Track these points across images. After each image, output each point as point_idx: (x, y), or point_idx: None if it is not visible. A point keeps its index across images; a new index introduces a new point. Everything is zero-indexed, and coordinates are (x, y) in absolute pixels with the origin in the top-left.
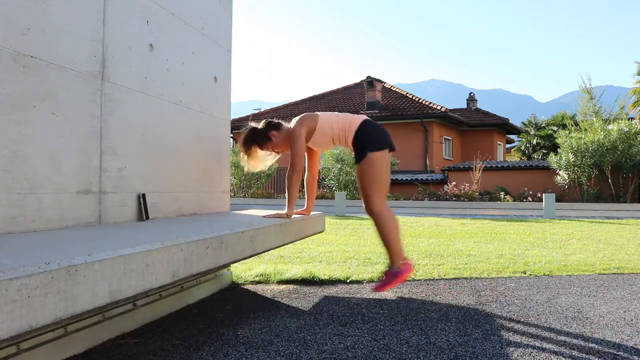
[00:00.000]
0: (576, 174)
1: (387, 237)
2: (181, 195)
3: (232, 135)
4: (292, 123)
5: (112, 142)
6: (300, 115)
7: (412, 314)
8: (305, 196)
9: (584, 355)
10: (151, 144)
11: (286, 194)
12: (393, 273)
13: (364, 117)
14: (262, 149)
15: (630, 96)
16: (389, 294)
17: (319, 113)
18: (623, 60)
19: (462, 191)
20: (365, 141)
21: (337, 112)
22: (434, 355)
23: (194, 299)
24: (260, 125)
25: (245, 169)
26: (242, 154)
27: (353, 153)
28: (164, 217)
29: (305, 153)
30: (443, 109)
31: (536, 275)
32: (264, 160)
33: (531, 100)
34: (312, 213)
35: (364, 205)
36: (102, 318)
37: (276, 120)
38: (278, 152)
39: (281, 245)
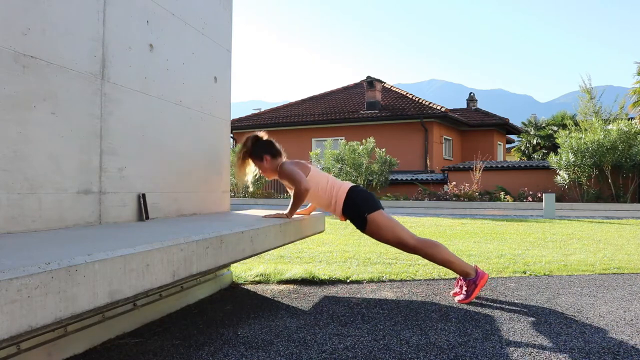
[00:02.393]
0: (576, 174)
1: (442, 260)
2: (181, 195)
3: (232, 135)
4: (286, 162)
5: (112, 142)
6: (296, 160)
7: (412, 314)
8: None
9: (584, 355)
10: (151, 144)
11: (291, 201)
12: (472, 281)
13: (350, 183)
14: (252, 161)
15: (630, 96)
16: (388, 293)
17: (312, 166)
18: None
19: (462, 191)
20: (360, 206)
21: (328, 174)
22: (434, 355)
23: (194, 299)
24: (265, 138)
25: (234, 173)
26: (236, 156)
27: (348, 220)
28: (164, 217)
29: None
30: (443, 109)
31: (536, 275)
32: (249, 173)
33: (531, 100)
34: (312, 213)
35: (401, 250)
36: (102, 318)
37: (279, 148)
38: (262, 173)
39: (281, 245)
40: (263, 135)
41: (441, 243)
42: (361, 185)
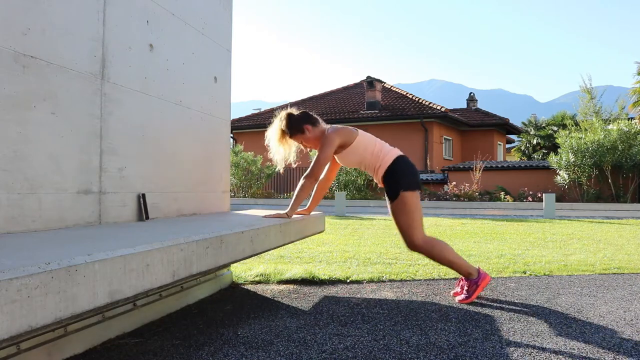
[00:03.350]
0: (576, 174)
1: (445, 260)
2: (181, 195)
3: (232, 135)
4: (329, 127)
5: (112, 142)
6: (342, 127)
7: (412, 314)
8: (311, 197)
9: (584, 355)
10: (151, 144)
11: (293, 195)
12: (474, 281)
13: (399, 152)
14: (291, 137)
15: (630, 96)
16: (388, 293)
17: (360, 131)
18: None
19: (462, 191)
20: (400, 179)
21: (376, 138)
22: (434, 355)
23: (194, 299)
24: (297, 113)
25: (274, 162)
26: (270, 137)
27: (383, 187)
28: (164, 217)
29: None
30: (443, 109)
31: (536, 275)
32: (287, 151)
33: (531, 100)
34: (312, 213)
35: (404, 242)
36: (102, 318)
37: (314, 115)
38: (305, 147)
39: (281, 245)
40: (293, 111)
41: (445, 243)
42: (408, 158)
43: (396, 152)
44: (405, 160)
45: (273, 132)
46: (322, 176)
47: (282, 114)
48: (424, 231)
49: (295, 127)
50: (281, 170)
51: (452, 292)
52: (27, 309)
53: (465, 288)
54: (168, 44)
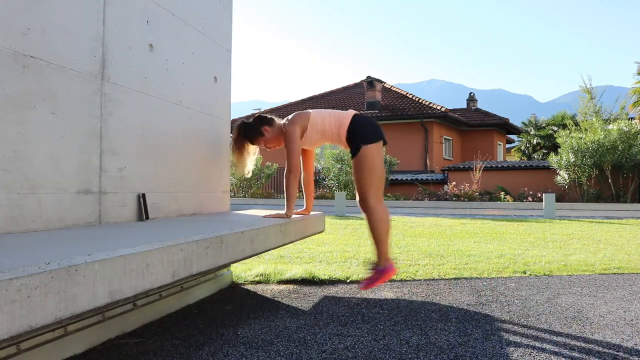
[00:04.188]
0: (576, 174)
1: (378, 233)
2: (181, 195)
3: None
4: (285, 121)
5: (112, 142)
6: (293, 114)
7: (412, 314)
8: (304, 196)
9: (584, 356)
10: (151, 144)
11: (285, 195)
12: (380, 270)
13: (353, 111)
14: (253, 144)
15: (630, 96)
16: (388, 293)
17: (310, 110)
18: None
19: (462, 191)
20: (358, 135)
21: (328, 110)
22: (434, 355)
23: (194, 299)
24: (252, 119)
25: (234, 170)
26: (232, 149)
27: (349, 150)
28: (164, 217)
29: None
30: (443, 109)
31: (536, 275)
32: (249, 160)
33: (531, 100)
34: (312, 213)
35: (358, 200)
36: (102, 318)
37: (268, 116)
38: (270, 148)
39: (281, 245)
40: (244, 119)
41: (389, 223)
42: (368, 115)
43: (351, 112)
44: (363, 116)
45: (235, 145)
46: (302, 172)
47: (237, 125)
48: (380, 197)
49: (253, 132)
50: (248, 176)
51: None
52: (27, 309)
53: (372, 273)
54: (168, 44)
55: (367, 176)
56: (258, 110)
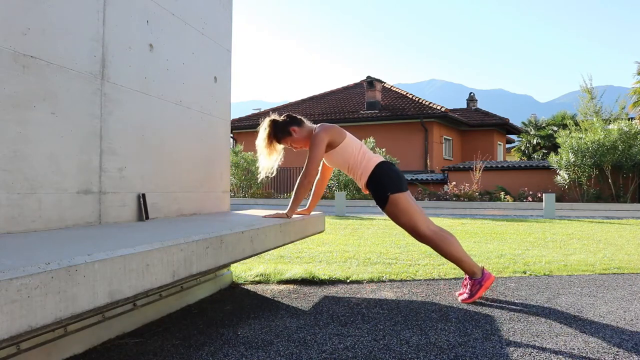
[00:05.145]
0: (576, 174)
1: (452, 254)
2: (181, 195)
3: (232, 135)
4: (317, 127)
5: (112, 142)
6: (329, 125)
7: (412, 314)
8: (310, 196)
9: (584, 356)
10: (151, 144)
11: (292, 196)
12: (478, 281)
13: (381, 158)
14: (280, 142)
15: (630, 96)
16: (388, 293)
17: (348, 133)
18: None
19: (462, 191)
20: (385, 183)
21: (362, 143)
22: (434, 355)
23: (194, 299)
24: (282, 118)
25: (260, 169)
26: (259, 145)
27: (367, 193)
28: (164, 217)
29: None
30: (443, 109)
31: (536, 275)
32: (276, 160)
33: (531, 100)
34: (312, 213)
35: (413, 237)
36: (102, 318)
37: (298, 117)
38: (296, 148)
39: (281, 245)
40: (276, 116)
41: (455, 238)
42: (392, 163)
43: (378, 158)
44: (388, 165)
45: (261, 141)
46: (318, 176)
47: (266, 122)
48: (429, 222)
49: (281, 130)
50: (262, 177)
51: (456, 293)
52: (27, 309)
53: (469, 287)
54: (168, 44)
55: (407, 217)
56: (258, 110)
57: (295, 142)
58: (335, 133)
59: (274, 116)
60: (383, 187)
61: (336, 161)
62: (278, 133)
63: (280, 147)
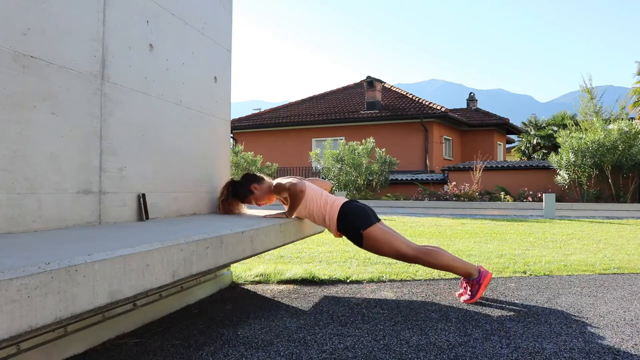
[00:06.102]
0: (576, 174)
1: (443, 265)
2: (181, 195)
3: (232, 135)
4: (275, 182)
5: (112, 142)
6: (292, 178)
7: (412, 314)
8: None
9: (584, 355)
10: (151, 144)
11: (292, 203)
12: (476, 281)
13: (342, 198)
14: (243, 202)
15: (630, 96)
16: (388, 293)
17: (305, 181)
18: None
19: (462, 191)
20: (354, 221)
21: (320, 189)
22: (434, 355)
23: (194, 299)
24: (239, 179)
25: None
26: (219, 205)
27: (343, 236)
28: (164, 217)
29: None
30: (443, 109)
31: (536, 275)
32: (244, 206)
33: (531, 100)
34: None
35: (400, 261)
36: (102, 318)
37: (258, 174)
38: (260, 205)
39: (281, 245)
40: (235, 178)
41: (440, 248)
42: (356, 200)
43: (341, 200)
44: (352, 204)
45: (222, 206)
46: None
47: (225, 185)
48: (409, 242)
49: (243, 191)
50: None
51: (456, 294)
52: (27, 309)
53: (469, 288)
54: (168, 44)
55: (387, 246)
56: (258, 110)
57: (257, 199)
58: (300, 183)
59: (233, 178)
60: (354, 226)
61: (300, 212)
62: (240, 193)
63: (242, 206)
